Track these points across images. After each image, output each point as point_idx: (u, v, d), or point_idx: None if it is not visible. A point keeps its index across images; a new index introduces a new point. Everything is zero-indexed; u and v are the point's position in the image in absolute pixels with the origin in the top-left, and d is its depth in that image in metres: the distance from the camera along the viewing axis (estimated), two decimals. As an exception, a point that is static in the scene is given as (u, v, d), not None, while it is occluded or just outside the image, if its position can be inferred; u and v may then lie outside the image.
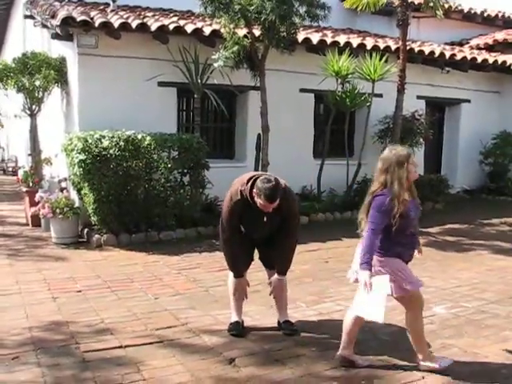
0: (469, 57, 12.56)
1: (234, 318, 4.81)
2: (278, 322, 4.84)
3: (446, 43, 14.32)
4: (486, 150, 13.27)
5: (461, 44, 14.74)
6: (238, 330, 4.71)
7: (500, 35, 14.64)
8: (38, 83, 9.47)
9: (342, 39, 10.96)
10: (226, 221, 4.55)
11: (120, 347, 4.39)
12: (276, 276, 4.67)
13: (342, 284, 6.30)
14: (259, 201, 4.26)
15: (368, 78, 10.54)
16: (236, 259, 4.68)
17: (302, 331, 4.75)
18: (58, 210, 8.22)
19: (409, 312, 4.01)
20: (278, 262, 4.69)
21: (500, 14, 15.96)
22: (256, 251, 4.90)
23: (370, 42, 11.28)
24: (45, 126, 10.48)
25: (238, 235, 4.61)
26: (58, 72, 9.53)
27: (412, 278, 3.91)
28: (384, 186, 3.86)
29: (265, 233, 4.65)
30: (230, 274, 4.80)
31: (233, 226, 4.55)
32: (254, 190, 4.29)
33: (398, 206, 3.76)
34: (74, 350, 4.33)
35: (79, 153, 7.79)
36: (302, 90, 11.01)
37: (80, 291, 5.94)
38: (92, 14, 8.99)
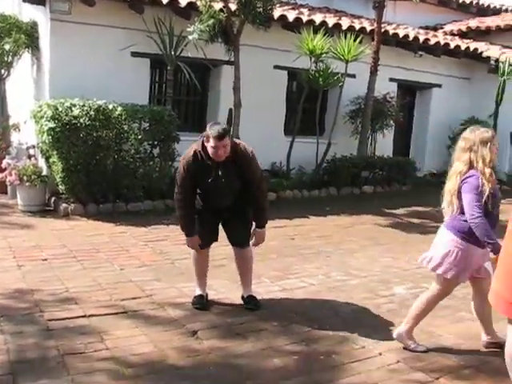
0: (442, 42, 12.69)
1: (198, 292, 4.88)
2: (242, 297, 4.92)
3: (421, 27, 14.43)
4: (454, 135, 13.47)
5: (435, 29, 14.89)
6: (202, 303, 4.78)
7: (473, 22, 14.83)
8: (7, 47, 9.26)
9: (317, 18, 10.96)
10: (180, 180, 4.60)
11: (84, 316, 4.42)
12: (257, 229, 4.75)
13: (306, 261, 6.43)
14: (210, 145, 4.36)
15: (342, 58, 10.60)
16: (187, 218, 4.70)
17: (264, 306, 4.84)
18: (25, 178, 8.15)
19: (432, 291, 4.09)
20: (255, 216, 4.74)
21: (474, 2, 16.16)
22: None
23: (345, 23, 11.31)
24: (14, 92, 10.29)
25: (191, 196, 4.64)
26: (28, 36, 9.32)
27: (464, 271, 3.91)
28: (469, 166, 3.84)
29: (226, 194, 4.62)
30: (192, 254, 4.89)
31: (186, 185, 4.59)
32: (205, 139, 4.41)
33: (488, 185, 3.74)
34: (37, 318, 4.35)
35: (49, 120, 7.71)
36: (276, 67, 11.00)
37: (45, 260, 5.93)
38: (66, -22, 8.81)
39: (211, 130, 4.34)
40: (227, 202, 4.69)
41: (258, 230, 4.76)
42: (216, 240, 4.89)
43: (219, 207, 4.75)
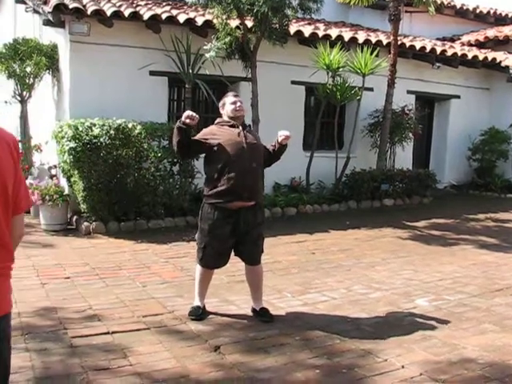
0: (459, 53, 12.66)
1: (197, 303, 4.93)
2: (255, 310, 4.94)
3: (438, 39, 14.43)
4: (474, 146, 13.40)
5: (452, 40, 14.86)
6: (197, 314, 4.83)
7: (491, 32, 14.77)
8: (29, 70, 9.45)
9: (333, 32, 11.02)
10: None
11: (107, 333, 4.45)
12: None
13: (327, 275, 6.41)
14: (229, 102, 4.79)
15: (359, 71, 10.63)
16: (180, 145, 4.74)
17: (286, 321, 4.84)
18: (47, 197, 8.25)
19: None
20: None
21: (492, 11, 16.10)
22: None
23: (361, 36, 11.34)
24: (35, 113, 10.47)
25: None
26: (49, 59, 9.50)
27: None
28: None
29: (253, 160, 4.65)
30: (198, 267, 4.91)
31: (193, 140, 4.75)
32: (220, 108, 4.92)
33: None
34: (62, 336, 4.38)
35: (69, 140, 7.82)
36: (294, 82, 11.07)
37: (68, 278, 5.99)
38: (84, 1, 8.97)
39: (227, 94, 4.93)
40: (252, 176, 4.64)
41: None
42: (226, 263, 4.91)
43: (244, 186, 4.59)
